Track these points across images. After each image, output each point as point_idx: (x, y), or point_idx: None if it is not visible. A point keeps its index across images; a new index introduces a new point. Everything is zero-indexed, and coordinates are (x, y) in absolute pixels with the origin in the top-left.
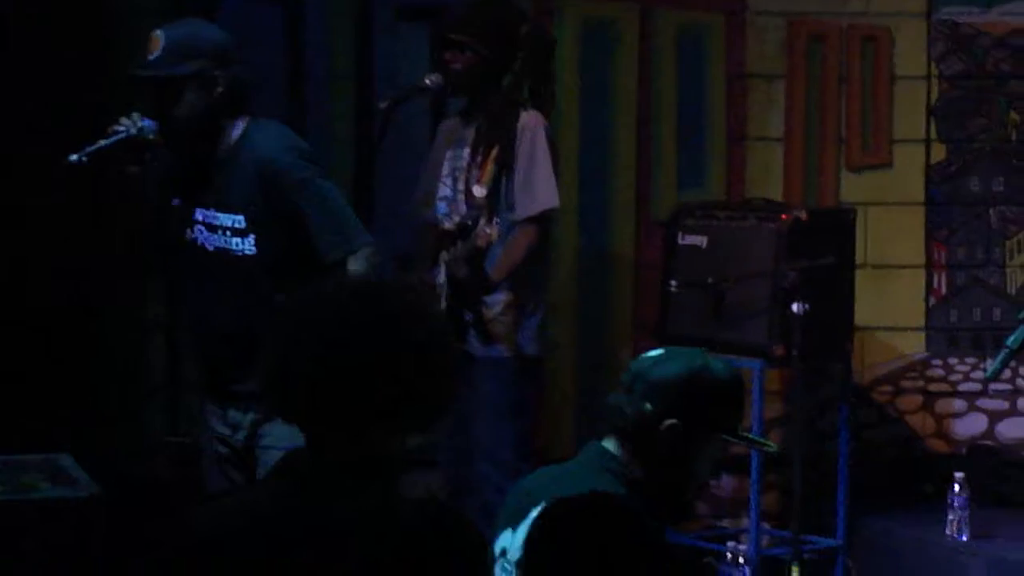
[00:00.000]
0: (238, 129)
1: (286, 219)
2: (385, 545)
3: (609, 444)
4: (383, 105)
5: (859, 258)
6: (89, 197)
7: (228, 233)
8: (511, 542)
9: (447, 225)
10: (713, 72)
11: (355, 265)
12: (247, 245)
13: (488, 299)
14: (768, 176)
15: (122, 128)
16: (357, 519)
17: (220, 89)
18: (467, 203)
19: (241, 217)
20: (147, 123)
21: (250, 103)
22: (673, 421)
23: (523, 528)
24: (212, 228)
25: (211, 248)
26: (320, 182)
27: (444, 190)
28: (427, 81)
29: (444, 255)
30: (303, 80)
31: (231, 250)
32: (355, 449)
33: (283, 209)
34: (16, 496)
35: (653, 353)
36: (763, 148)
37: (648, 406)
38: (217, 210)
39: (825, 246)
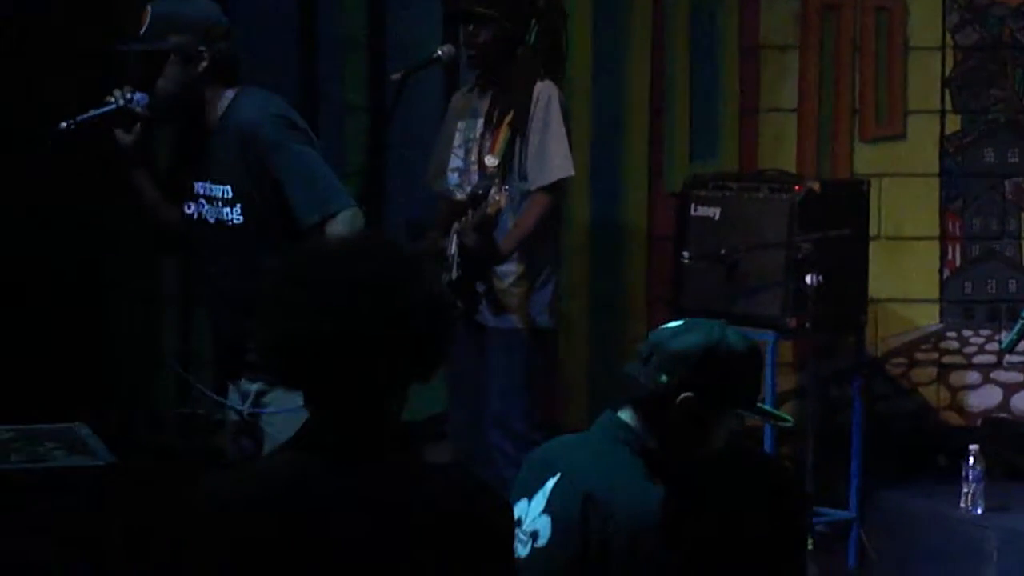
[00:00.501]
0: (226, 100)
1: (267, 186)
2: (411, 511)
3: (624, 415)
4: (396, 76)
5: (873, 230)
6: (101, 171)
7: (220, 204)
8: (526, 511)
9: (459, 196)
10: (726, 43)
11: (335, 228)
12: (235, 215)
13: (500, 270)
14: (781, 147)
15: (112, 100)
16: (382, 486)
17: (204, 64)
18: (479, 173)
19: (228, 187)
20: (138, 96)
21: (239, 74)
22: (689, 394)
23: (539, 498)
24: (210, 200)
25: (212, 220)
26: (296, 146)
27: (456, 161)
28: (439, 52)
29: (456, 225)
30: (315, 49)
31: (225, 221)
32: (362, 408)
33: (263, 175)
34: (33, 464)
35: (671, 324)
36: (776, 119)
37: (664, 378)
38: (212, 182)
39: (839, 218)
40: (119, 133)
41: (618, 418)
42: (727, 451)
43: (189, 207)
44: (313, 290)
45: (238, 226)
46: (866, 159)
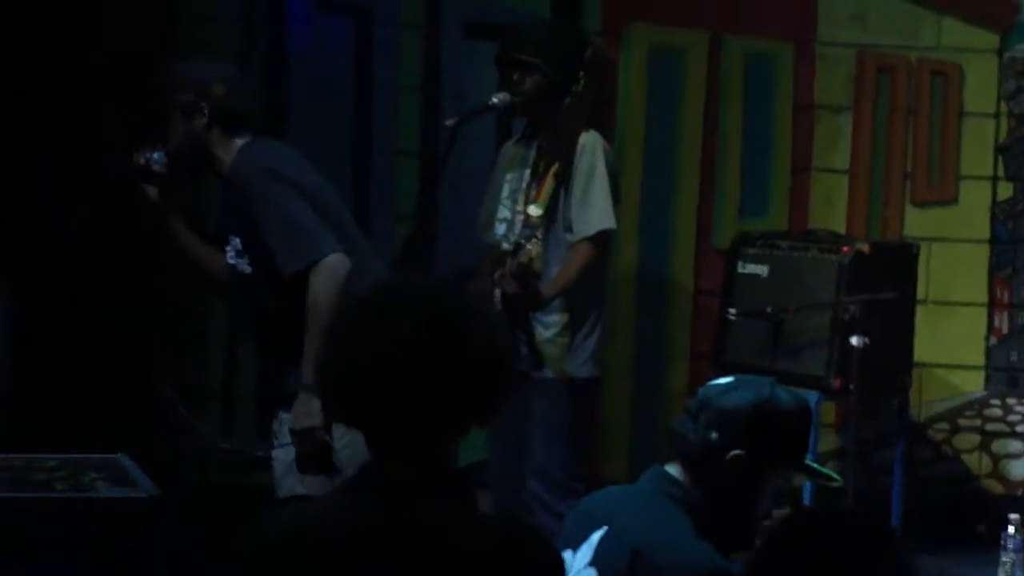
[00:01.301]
0: (234, 151)
1: (257, 238)
2: (465, 559)
3: (672, 469)
4: (450, 123)
5: (921, 294)
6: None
7: (236, 255)
8: (571, 562)
9: (505, 246)
10: (780, 101)
11: (316, 277)
12: (244, 264)
13: (543, 320)
14: (832, 208)
15: (141, 159)
16: (436, 533)
17: (204, 119)
18: (524, 223)
19: (239, 239)
20: (156, 155)
21: (249, 126)
22: (739, 452)
23: (584, 549)
24: (237, 252)
25: (241, 270)
26: (275, 196)
27: (504, 212)
28: (494, 100)
29: (496, 273)
30: (370, 93)
31: (239, 271)
32: (421, 452)
33: (253, 228)
34: (76, 494)
35: (722, 381)
36: (828, 179)
37: (714, 435)
38: (231, 234)
39: (887, 280)
40: (148, 190)
41: (667, 473)
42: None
43: (229, 255)
44: (383, 327)
45: (248, 275)
46: (917, 223)
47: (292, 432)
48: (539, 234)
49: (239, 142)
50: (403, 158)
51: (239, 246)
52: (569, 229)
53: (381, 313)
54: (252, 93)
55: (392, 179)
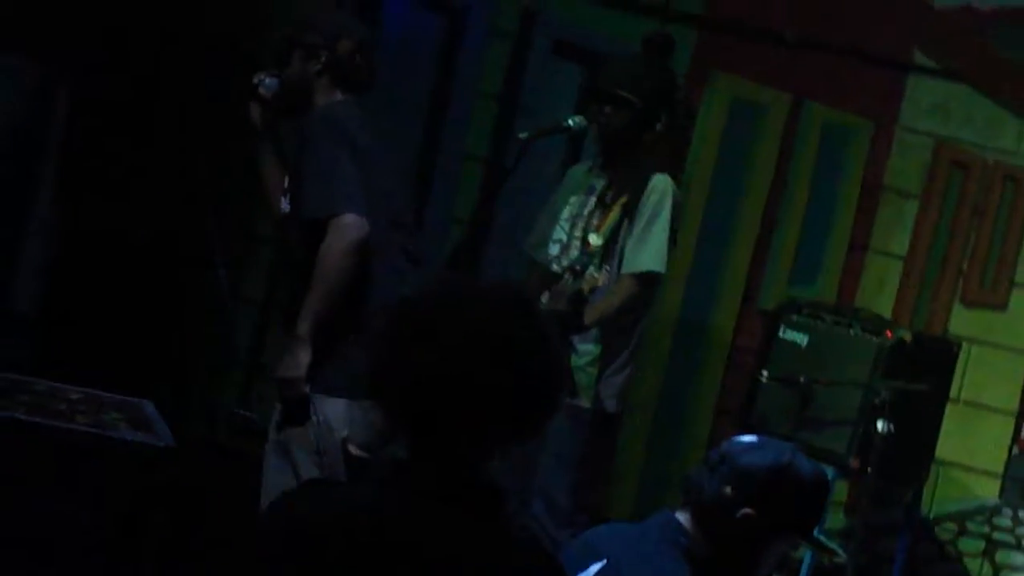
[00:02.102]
0: (324, 101)
1: (296, 180)
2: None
3: (681, 517)
4: (523, 136)
5: (954, 392)
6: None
7: (284, 195)
8: None
9: (556, 268)
10: (850, 176)
11: (330, 233)
12: (285, 204)
13: (579, 347)
14: (882, 291)
15: (255, 80)
16: (458, 550)
17: (320, 64)
18: (580, 249)
19: (288, 178)
20: (268, 80)
21: (357, 87)
22: (750, 511)
23: None
24: (285, 192)
25: (283, 210)
26: (325, 143)
27: (560, 233)
28: (570, 122)
29: (547, 293)
30: (450, 91)
31: (284, 210)
32: (458, 462)
33: (295, 171)
34: (96, 430)
35: (745, 438)
36: (883, 262)
37: (729, 490)
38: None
39: (923, 372)
40: (252, 108)
41: (675, 519)
42: None
43: (284, 204)
44: (449, 334)
45: (285, 214)
46: (963, 321)
47: (276, 379)
48: (608, 266)
49: (339, 97)
50: (469, 163)
51: (286, 184)
52: (620, 263)
53: (448, 318)
54: (373, 60)
55: (455, 182)
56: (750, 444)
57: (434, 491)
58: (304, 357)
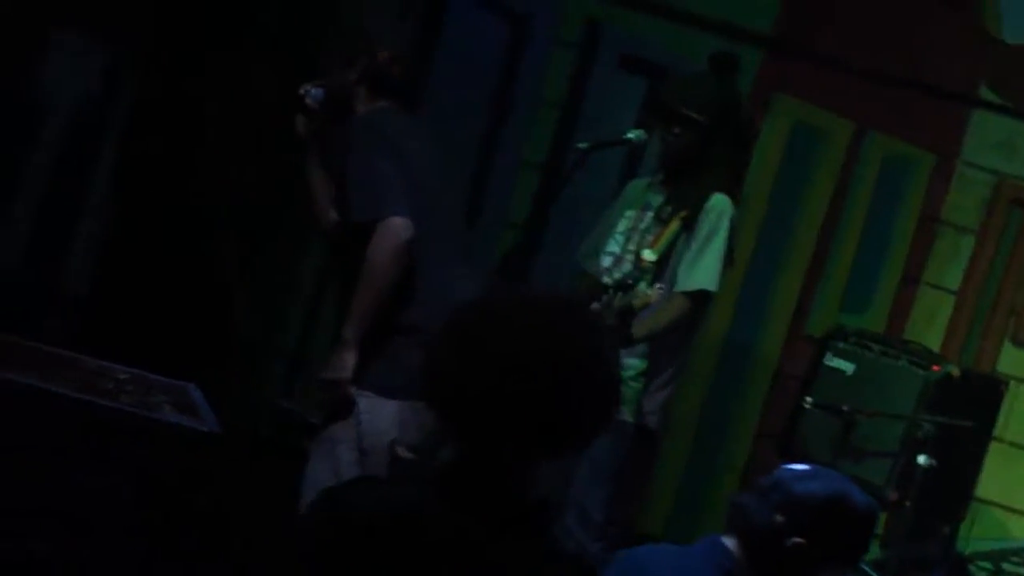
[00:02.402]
0: (364, 109)
1: (342, 185)
2: None
3: (728, 542)
4: (582, 147)
5: (998, 430)
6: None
7: (333, 202)
8: None
9: (606, 279)
10: (908, 207)
11: (376, 236)
12: (334, 214)
13: (624, 361)
14: (931, 324)
15: (302, 91)
16: (511, 565)
17: (357, 74)
18: (633, 264)
19: (336, 186)
20: (314, 91)
21: (396, 95)
22: (800, 540)
23: None
24: (333, 199)
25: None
26: (367, 147)
27: (613, 246)
28: (631, 135)
29: (595, 305)
30: (511, 97)
31: (334, 219)
32: (507, 470)
33: (341, 176)
34: (143, 411)
35: (798, 467)
36: (934, 296)
37: (780, 517)
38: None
39: (968, 409)
40: (299, 119)
41: (723, 544)
42: None
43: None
44: (508, 343)
45: (335, 223)
46: (1011, 361)
47: (321, 380)
48: (661, 284)
49: (381, 105)
50: (526, 170)
51: (334, 192)
52: (673, 280)
53: (505, 329)
54: (413, 69)
55: (511, 188)
56: (804, 473)
57: (480, 500)
58: (349, 359)
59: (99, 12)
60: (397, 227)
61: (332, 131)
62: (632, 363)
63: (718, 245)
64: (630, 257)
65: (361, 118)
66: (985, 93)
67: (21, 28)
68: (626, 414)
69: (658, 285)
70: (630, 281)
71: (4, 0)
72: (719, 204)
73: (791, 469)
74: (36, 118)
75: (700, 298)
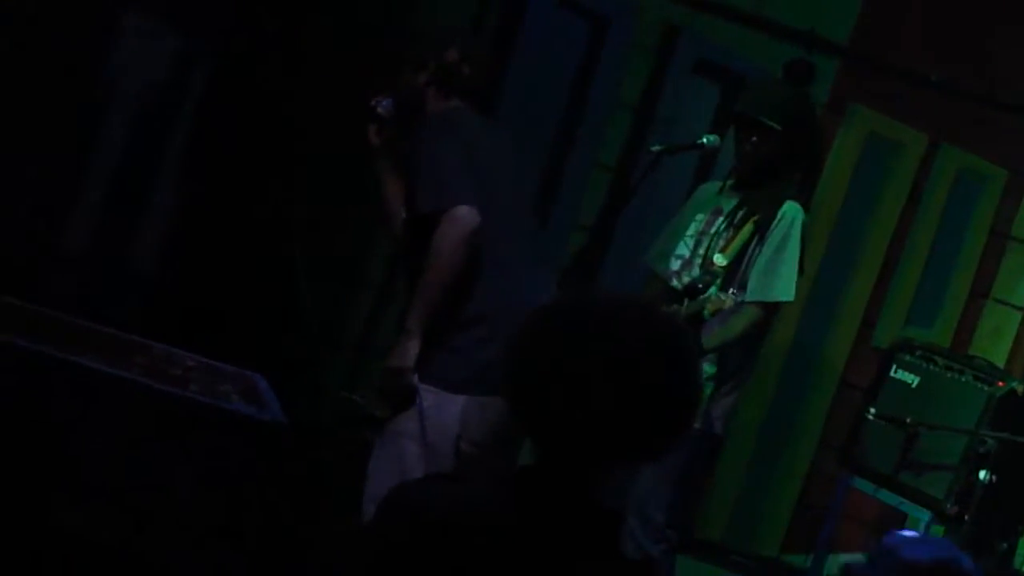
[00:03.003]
0: (436, 109)
1: (408, 179)
2: None
3: None
4: (655, 149)
5: None
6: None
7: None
8: None
9: (675, 283)
10: (978, 222)
11: (441, 226)
12: (402, 210)
13: None
14: (998, 340)
15: (373, 102)
16: (573, 565)
17: (427, 75)
18: (703, 267)
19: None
20: (384, 101)
21: (465, 95)
22: None
23: None
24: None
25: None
26: (436, 140)
27: (683, 250)
28: (705, 140)
29: (665, 309)
30: (587, 98)
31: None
32: (582, 475)
33: (407, 171)
34: (210, 399)
35: (907, 533)
36: (1002, 312)
37: None
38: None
39: None
40: (371, 129)
41: None
42: None
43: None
44: (595, 348)
45: (405, 220)
46: None
47: (384, 369)
48: (733, 289)
49: (453, 105)
50: (599, 171)
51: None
52: (743, 287)
53: (594, 333)
54: (484, 68)
55: (582, 189)
56: (912, 539)
57: (556, 506)
58: (412, 349)
59: None
60: (463, 216)
61: (404, 138)
62: (702, 368)
63: (792, 254)
64: (699, 261)
65: (433, 115)
66: None
67: (91, 11)
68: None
69: (732, 291)
70: (699, 285)
71: None
72: (791, 212)
73: (900, 535)
74: (107, 102)
75: (773, 308)
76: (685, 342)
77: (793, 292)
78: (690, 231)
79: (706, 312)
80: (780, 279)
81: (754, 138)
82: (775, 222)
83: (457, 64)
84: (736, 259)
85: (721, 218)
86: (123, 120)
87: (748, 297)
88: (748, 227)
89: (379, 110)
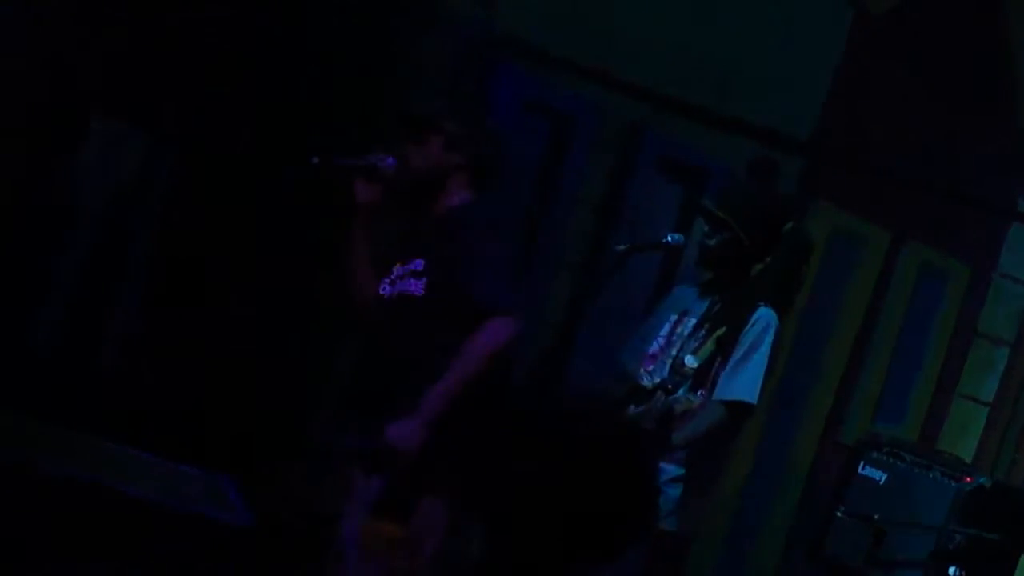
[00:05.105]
0: (460, 199)
1: (453, 267)
2: None
3: None
4: (620, 248)
5: None
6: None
7: (408, 277)
8: None
9: (645, 382)
10: (944, 318)
11: (492, 330)
12: (417, 286)
13: (661, 466)
14: (965, 436)
15: (370, 158)
16: None
17: (460, 159)
18: (673, 368)
19: (421, 261)
20: (389, 160)
21: (486, 183)
22: None
23: None
24: (412, 274)
25: (391, 294)
26: (494, 243)
27: (655, 348)
28: (669, 239)
29: (632, 408)
30: (550, 197)
31: (408, 292)
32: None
33: (458, 260)
34: (173, 502)
35: None
36: (968, 407)
37: None
38: (412, 256)
39: (999, 521)
40: (359, 187)
41: None
42: None
43: (385, 288)
44: (543, 456)
45: (416, 298)
46: None
47: (387, 440)
48: (703, 391)
49: (473, 194)
50: (564, 270)
51: (418, 267)
52: (713, 389)
53: (547, 437)
54: (500, 157)
55: (549, 287)
56: None
57: None
58: (424, 435)
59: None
60: (510, 325)
61: (390, 201)
62: (668, 469)
63: (759, 359)
64: (670, 361)
65: (469, 204)
66: (1023, 206)
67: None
68: (666, 523)
69: (701, 392)
70: (669, 386)
71: (44, 88)
72: (765, 317)
73: None
74: (75, 204)
75: (739, 409)
76: (637, 450)
77: (757, 395)
78: (664, 331)
79: (676, 411)
80: (745, 381)
81: (707, 227)
82: (748, 326)
83: (487, 156)
84: (707, 361)
85: (693, 319)
86: (88, 221)
87: (715, 396)
88: (721, 330)
89: (379, 166)
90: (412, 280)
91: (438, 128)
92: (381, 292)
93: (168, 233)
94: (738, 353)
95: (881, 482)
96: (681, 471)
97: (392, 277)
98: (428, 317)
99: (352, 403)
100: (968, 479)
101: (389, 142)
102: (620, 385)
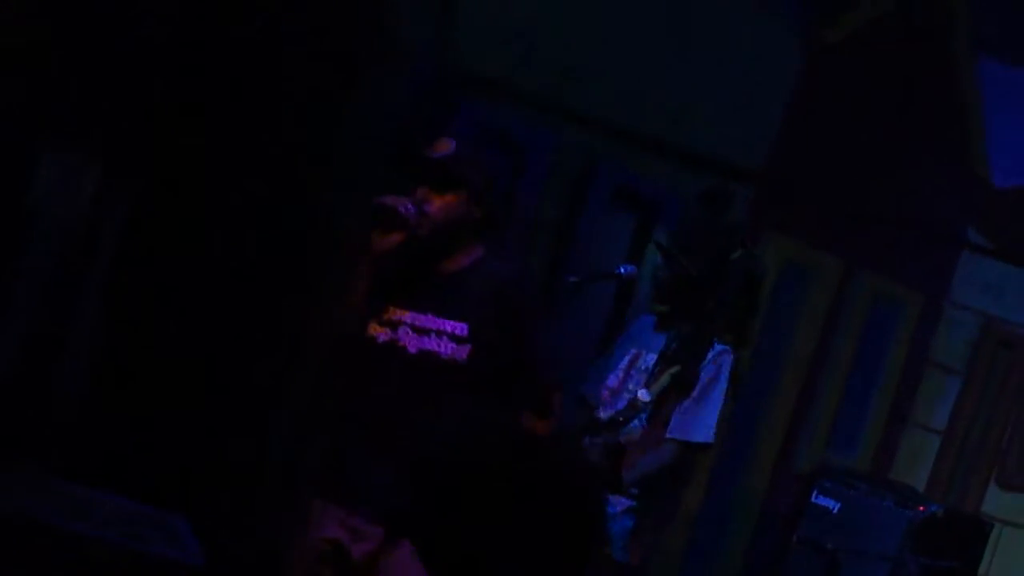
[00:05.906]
0: (474, 254)
1: (510, 336)
2: None
3: None
4: (573, 280)
5: (981, 570)
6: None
7: (444, 338)
8: None
9: (600, 413)
10: (896, 347)
11: (554, 404)
12: (460, 353)
13: (612, 499)
14: (917, 464)
15: (400, 207)
16: None
17: (478, 213)
18: (627, 400)
19: (464, 325)
20: (412, 208)
21: (490, 233)
22: None
23: None
24: (422, 331)
25: (414, 350)
26: (543, 316)
27: (613, 380)
28: (621, 271)
29: (586, 440)
30: (505, 226)
31: (438, 353)
32: None
33: (510, 327)
34: (126, 542)
35: None
36: (921, 436)
37: None
38: (436, 315)
39: (952, 549)
40: (378, 233)
41: None
42: None
43: (381, 334)
44: (479, 485)
45: (456, 363)
46: (997, 502)
47: None
48: (653, 424)
49: (482, 245)
50: None
51: (460, 332)
52: (667, 424)
53: (485, 468)
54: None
55: None
56: None
57: None
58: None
59: (93, 128)
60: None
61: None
62: (622, 503)
63: (716, 398)
64: (626, 394)
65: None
66: (973, 236)
67: (15, 145)
68: (610, 550)
69: (646, 426)
70: (621, 419)
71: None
72: (720, 357)
73: None
74: (29, 234)
75: (695, 449)
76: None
77: (713, 435)
78: (623, 363)
79: (624, 444)
80: (701, 422)
81: (666, 266)
82: (705, 363)
83: (498, 206)
84: (661, 396)
85: (653, 355)
86: (42, 251)
87: (668, 434)
88: (672, 373)
89: (402, 212)
90: (450, 343)
91: (466, 180)
92: (375, 336)
93: (124, 265)
94: (695, 391)
95: (835, 511)
96: (633, 502)
97: (395, 324)
98: (469, 385)
99: (343, 446)
100: (921, 508)
101: (398, 188)
102: (579, 415)
